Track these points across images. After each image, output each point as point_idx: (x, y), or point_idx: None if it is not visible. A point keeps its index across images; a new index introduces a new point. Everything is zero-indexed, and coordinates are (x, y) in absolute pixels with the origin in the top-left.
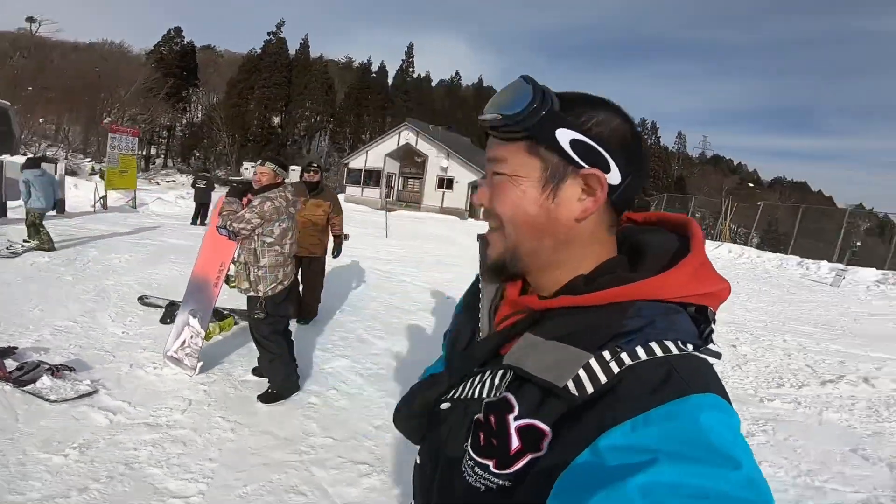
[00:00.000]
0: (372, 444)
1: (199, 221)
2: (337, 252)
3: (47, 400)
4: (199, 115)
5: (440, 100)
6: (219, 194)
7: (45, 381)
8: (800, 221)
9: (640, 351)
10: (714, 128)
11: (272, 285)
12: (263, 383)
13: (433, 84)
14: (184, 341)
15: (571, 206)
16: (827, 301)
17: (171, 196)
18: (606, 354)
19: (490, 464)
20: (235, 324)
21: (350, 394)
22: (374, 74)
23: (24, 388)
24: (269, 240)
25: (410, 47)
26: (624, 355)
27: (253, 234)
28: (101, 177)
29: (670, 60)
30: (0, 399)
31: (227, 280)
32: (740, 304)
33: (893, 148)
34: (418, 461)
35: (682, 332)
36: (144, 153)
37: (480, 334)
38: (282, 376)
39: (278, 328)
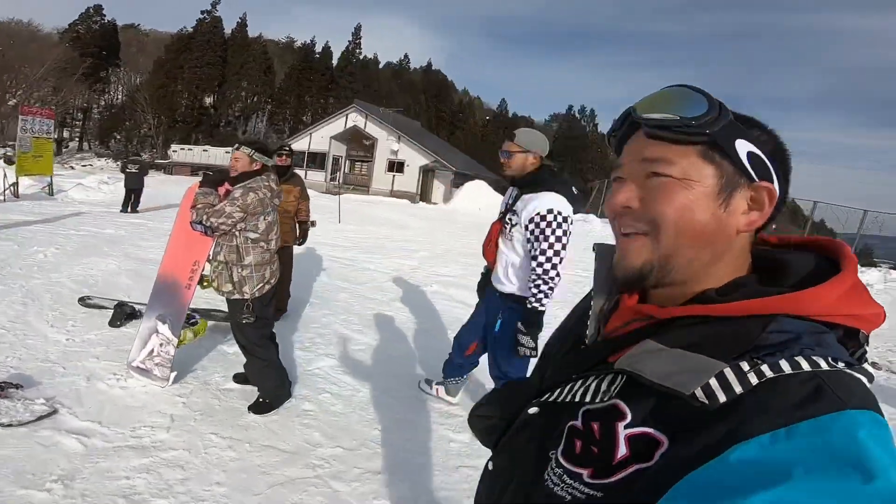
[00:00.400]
0: (385, 450)
1: (129, 209)
2: (302, 240)
3: None
4: (121, 97)
5: (387, 82)
6: (191, 184)
7: None
8: None
9: (784, 364)
10: None
11: (259, 285)
12: (248, 391)
13: (380, 66)
14: (152, 350)
15: (738, 218)
16: None
17: (92, 181)
18: (744, 365)
19: (584, 473)
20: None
21: (344, 396)
22: (317, 55)
23: None
24: (253, 235)
25: (358, 28)
26: (765, 367)
27: (234, 230)
28: (8, 162)
29: (608, 50)
30: None
31: (200, 281)
32: None
33: (799, 138)
34: (491, 466)
35: (833, 349)
36: (56, 136)
37: (587, 341)
38: (273, 383)
39: (266, 332)
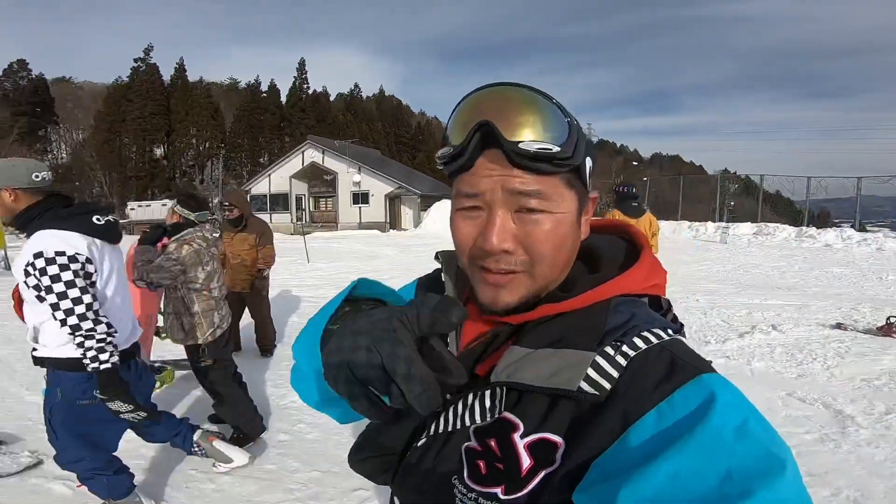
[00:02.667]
0: None
1: None
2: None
3: None
4: (65, 156)
5: (341, 114)
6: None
7: None
8: (682, 190)
9: (638, 341)
10: (595, 114)
11: (210, 331)
12: (225, 429)
13: (332, 99)
14: None
15: (584, 230)
16: (720, 257)
17: None
18: (609, 350)
19: (497, 491)
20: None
21: (319, 425)
22: (264, 94)
23: None
24: (195, 286)
25: (302, 63)
26: (625, 347)
27: (176, 282)
28: None
29: (552, 56)
30: None
31: (157, 332)
32: None
33: (739, 120)
34: None
35: (658, 320)
36: None
37: None
38: (245, 418)
39: (228, 372)
